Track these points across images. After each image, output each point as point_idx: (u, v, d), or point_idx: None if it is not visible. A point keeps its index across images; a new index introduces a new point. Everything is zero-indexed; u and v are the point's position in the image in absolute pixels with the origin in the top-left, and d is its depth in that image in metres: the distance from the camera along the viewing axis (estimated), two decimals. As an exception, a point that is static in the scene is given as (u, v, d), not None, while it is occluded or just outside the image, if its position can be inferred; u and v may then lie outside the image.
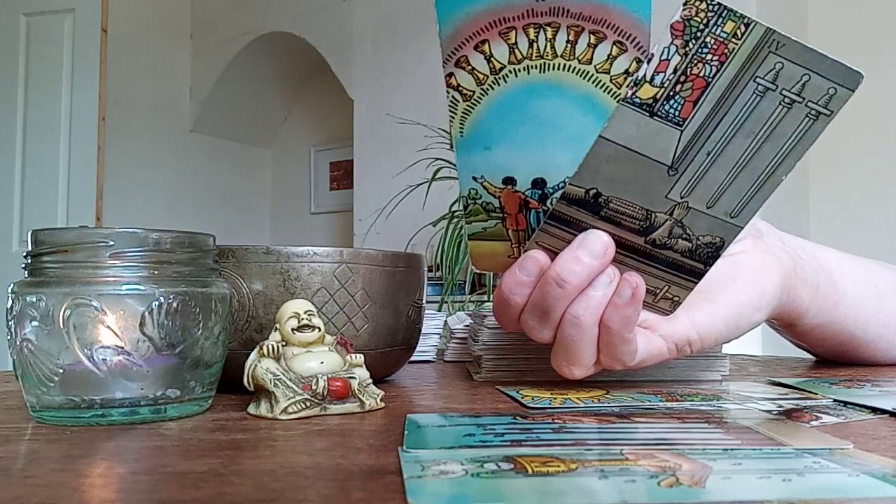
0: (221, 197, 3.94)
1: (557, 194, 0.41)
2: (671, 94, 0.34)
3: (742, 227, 0.39)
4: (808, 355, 0.69)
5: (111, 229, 0.36)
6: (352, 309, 0.47)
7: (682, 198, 0.37)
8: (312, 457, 0.28)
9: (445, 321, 0.75)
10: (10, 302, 0.36)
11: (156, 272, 0.36)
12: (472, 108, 0.41)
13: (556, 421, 0.34)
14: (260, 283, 0.46)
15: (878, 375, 0.54)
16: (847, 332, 0.58)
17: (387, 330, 0.49)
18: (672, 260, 0.40)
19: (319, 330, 0.40)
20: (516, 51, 0.40)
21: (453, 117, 0.41)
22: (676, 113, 0.35)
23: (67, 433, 0.33)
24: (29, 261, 0.37)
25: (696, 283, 0.41)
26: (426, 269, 0.56)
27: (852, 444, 0.29)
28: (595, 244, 0.39)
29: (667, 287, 0.41)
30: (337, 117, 3.78)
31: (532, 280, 0.40)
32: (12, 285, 0.36)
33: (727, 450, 0.28)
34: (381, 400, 0.40)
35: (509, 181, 0.42)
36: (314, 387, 0.38)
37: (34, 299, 0.35)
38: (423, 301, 0.55)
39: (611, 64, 0.39)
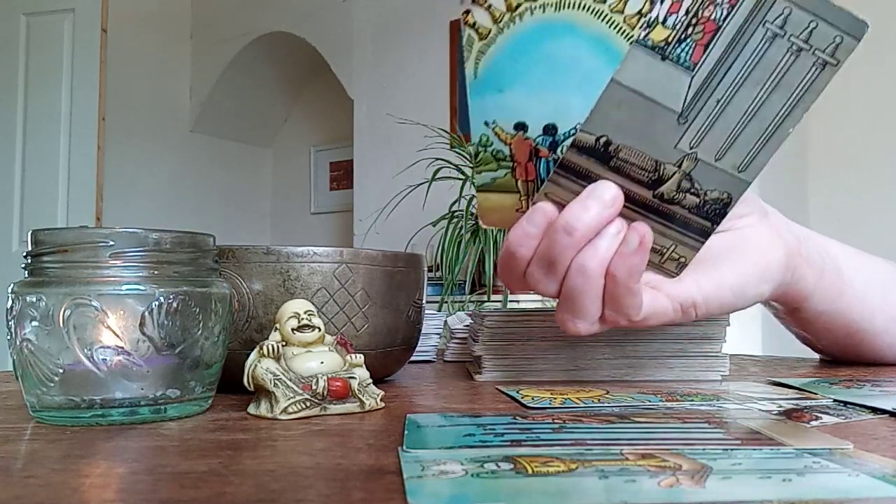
0: (221, 197, 3.94)
1: (568, 142, 0.41)
2: (682, 37, 0.35)
3: (749, 183, 0.39)
4: (808, 355, 0.69)
5: (111, 229, 0.36)
6: (352, 309, 0.47)
7: (690, 148, 0.38)
8: (312, 457, 0.28)
9: (445, 321, 0.75)
10: (10, 302, 0.36)
11: (156, 272, 0.36)
12: (487, 48, 0.40)
13: (556, 421, 0.34)
14: (260, 283, 0.46)
15: (879, 375, 0.54)
16: (854, 323, 0.58)
17: (387, 330, 0.49)
18: (679, 216, 0.40)
19: (319, 330, 0.40)
20: None
21: (468, 57, 0.41)
22: (688, 57, 0.35)
23: (67, 433, 0.33)
24: (29, 261, 0.37)
25: (703, 243, 0.41)
26: (426, 269, 0.56)
27: (852, 444, 0.29)
28: (604, 193, 0.39)
29: (673, 246, 0.41)
30: (337, 117, 3.78)
31: (539, 232, 0.40)
32: (12, 285, 0.36)
33: (727, 450, 0.28)
34: (381, 400, 0.40)
35: (521, 127, 0.41)
36: (314, 387, 0.38)
37: (34, 299, 0.35)
38: (423, 301, 0.55)
39: (625, 4, 0.39)
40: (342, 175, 3.94)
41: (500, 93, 0.41)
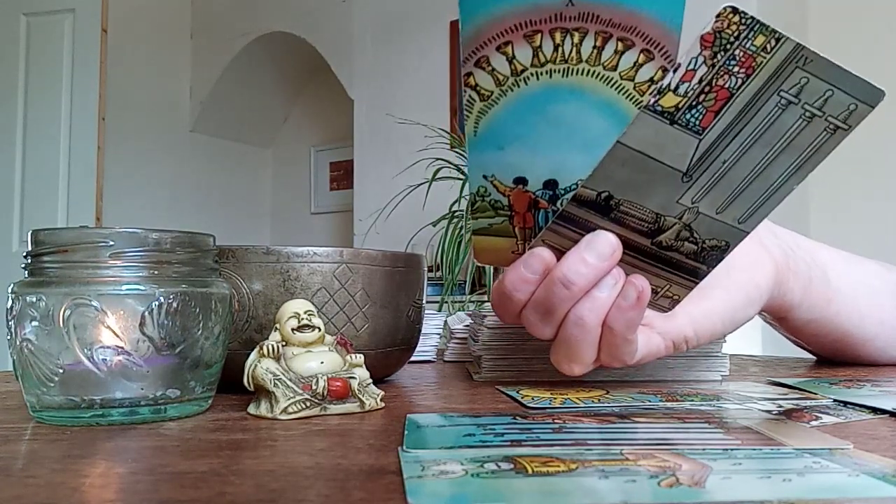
0: (221, 197, 3.94)
1: (569, 195, 0.41)
2: (694, 103, 0.34)
3: (748, 233, 0.39)
4: (807, 355, 0.69)
5: (111, 229, 0.36)
6: (352, 309, 0.47)
7: (692, 203, 0.38)
8: (312, 457, 0.28)
9: (445, 321, 0.75)
10: (10, 302, 0.36)
11: (156, 272, 0.36)
12: (489, 109, 0.40)
13: (556, 421, 0.34)
14: (260, 283, 0.46)
15: (878, 375, 0.54)
16: (841, 329, 0.58)
17: (387, 330, 0.49)
18: (676, 261, 0.40)
19: (319, 330, 0.40)
20: (540, 54, 0.39)
21: (468, 116, 0.41)
22: (697, 122, 0.35)
23: (67, 433, 0.33)
24: (29, 261, 0.37)
25: (697, 284, 0.41)
26: (426, 269, 0.56)
27: (852, 444, 0.29)
28: (603, 246, 0.39)
29: (668, 286, 0.42)
30: (337, 117, 3.78)
31: (537, 278, 0.40)
32: (12, 285, 0.36)
33: (727, 450, 0.28)
34: (381, 400, 0.40)
35: (520, 181, 0.42)
36: (314, 387, 0.38)
37: (34, 299, 0.35)
38: (423, 301, 0.55)
39: (636, 71, 0.39)
40: (342, 175, 3.94)
41: (501, 150, 0.41)
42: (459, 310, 1.92)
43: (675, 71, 0.34)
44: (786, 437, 0.30)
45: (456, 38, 2.88)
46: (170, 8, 3.71)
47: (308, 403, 0.37)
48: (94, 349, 0.35)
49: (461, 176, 2.31)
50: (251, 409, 0.38)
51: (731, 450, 0.28)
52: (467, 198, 0.45)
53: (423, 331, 0.59)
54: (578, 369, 0.42)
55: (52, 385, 0.35)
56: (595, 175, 0.37)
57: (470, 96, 0.40)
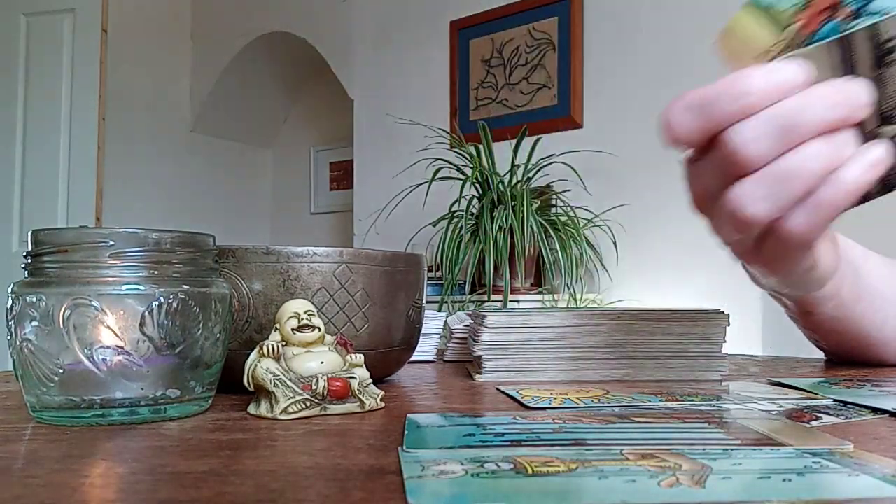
0: (221, 197, 3.93)
1: (869, 21, 0.35)
2: None
3: None
4: (807, 355, 0.69)
5: (111, 229, 0.36)
6: (352, 309, 0.47)
7: None
8: (312, 457, 0.28)
9: (445, 321, 0.75)
10: (10, 302, 0.36)
11: (156, 272, 0.36)
12: None
13: (556, 421, 0.34)
14: (260, 284, 0.46)
15: (878, 375, 0.54)
16: (864, 331, 0.58)
17: (387, 330, 0.49)
18: None
19: (319, 330, 0.40)
20: None
21: None
22: None
23: (67, 433, 0.33)
24: (29, 261, 0.37)
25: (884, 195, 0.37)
26: (426, 269, 0.56)
27: (852, 444, 0.29)
28: (862, 96, 0.33)
29: None
30: (337, 117, 3.77)
31: (782, 91, 0.32)
32: (12, 285, 0.36)
33: (727, 450, 0.28)
34: (381, 400, 0.40)
35: None
36: (314, 387, 0.38)
37: (34, 299, 0.35)
38: (423, 301, 0.55)
39: None
40: (342, 175, 3.94)
41: None
42: (459, 310, 1.92)
43: None
44: (786, 437, 0.30)
45: (456, 38, 2.88)
46: (170, 8, 3.71)
47: (308, 403, 0.37)
48: (94, 349, 0.35)
49: (461, 176, 2.31)
50: (251, 409, 0.38)
51: (731, 450, 0.28)
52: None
53: (423, 331, 0.59)
54: (765, 209, 0.33)
55: (52, 385, 0.35)
56: None
57: None
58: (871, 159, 0.33)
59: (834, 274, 0.49)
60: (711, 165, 0.35)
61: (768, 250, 0.37)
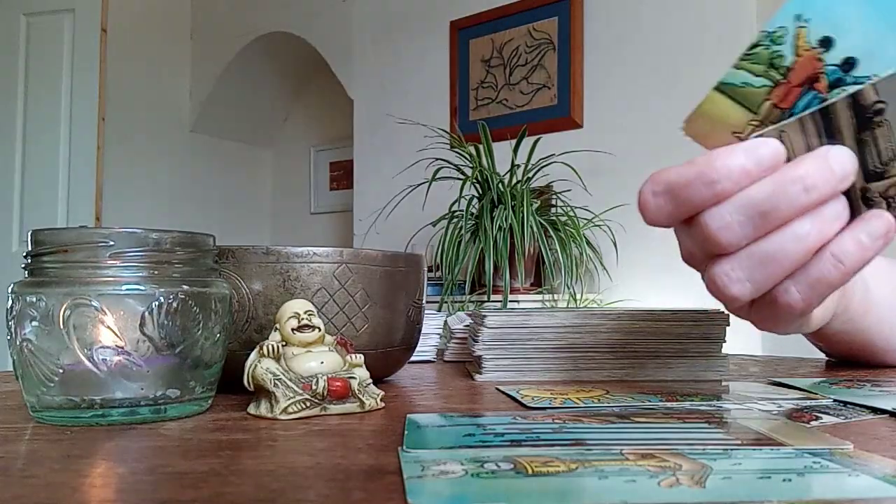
0: (221, 197, 3.93)
1: (850, 89, 0.34)
2: None
3: None
4: (807, 355, 0.69)
5: (111, 229, 0.36)
6: (352, 309, 0.47)
7: None
8: (312, 457, 0.28)
9: (445, 321, 0.75)
10: (10, 302, 0.36)
11: (156, 272, 0.36)
12: None
13: (556, 421, 0.34)
14: (260, 284, 0.46)
15: (878, 376, 0.54)
16: (870, 340, 0.57)
17: (387, 330, 0.49)
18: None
19: (319, 330, 0.40)
20: None
21: None
22: None
23: (67, 433, 0.33)
24: (29, 261, 0.37)
25: None
26: (426, 269, 0.56)
27: (852, 444, 0.29)
28: (847, 164, 0.32)
29: None
30: (337, 117, 3.77)
31: (759, 172, 0.32)
32: (12, 285, 0.36)
33: (727, 450, 0.28)
34: (381, 400, 0.40)
35: (825, 44, 0.35)
36: (314, 387, 0.38)
37: (34, 299, 0.35)
38: (423, 301, 0.55)
39: None
40: (342, 175, 3.94)
41: None
42: (459, 310, 1.92)
43: None
44: (786, 437, 0.30)
45: (456, 38, 2.88)
46: (170, 8, 3.71)
47: (308, 403, 0.37)
48: (94, 349, 0.35)
49: (461, 176, 2.31)
50: (251, 409, 0.38)
51: (731, 450, 0.28)
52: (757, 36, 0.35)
53: (423, 331, 0.59)
54: (749, 291, 0.33)
55: (52, 385, 0.35)
56: (894, 78, 0.31)
57: None
58: (871, 231, 0.32)
59: (833, 317, 0.48)
60: (692, 240, 0.34)
61: (762, 313, 0.35)
